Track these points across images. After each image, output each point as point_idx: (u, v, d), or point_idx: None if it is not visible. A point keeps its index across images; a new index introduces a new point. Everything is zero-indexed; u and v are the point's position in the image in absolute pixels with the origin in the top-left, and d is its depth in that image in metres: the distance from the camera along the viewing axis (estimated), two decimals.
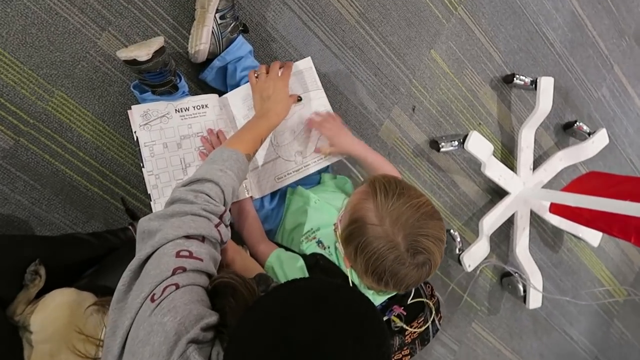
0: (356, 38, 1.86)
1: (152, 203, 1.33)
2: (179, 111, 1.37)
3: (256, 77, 1.39)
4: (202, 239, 0.91)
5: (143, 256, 0.86)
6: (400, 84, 1.99)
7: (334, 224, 1.18)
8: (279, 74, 1.37)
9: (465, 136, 1.99)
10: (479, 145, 2.01)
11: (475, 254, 2.10)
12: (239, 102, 1.46)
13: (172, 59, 1.36)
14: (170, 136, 1.36)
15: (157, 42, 1.27)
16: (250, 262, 1.22)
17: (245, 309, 0.77)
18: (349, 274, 1.15)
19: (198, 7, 1.49)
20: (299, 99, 1.45)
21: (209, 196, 0.96)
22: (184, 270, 0.83)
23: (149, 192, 1.33)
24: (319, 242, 1.31)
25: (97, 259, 1.30)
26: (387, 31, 1.92)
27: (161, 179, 1.34)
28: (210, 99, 1.42)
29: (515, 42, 2.25)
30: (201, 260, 0.87)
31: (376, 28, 1.90)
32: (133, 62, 1.25)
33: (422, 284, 1.37)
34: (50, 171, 1.42)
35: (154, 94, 1.35)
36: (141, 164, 1.34)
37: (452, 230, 2.15)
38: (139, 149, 1.34)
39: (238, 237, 1.37)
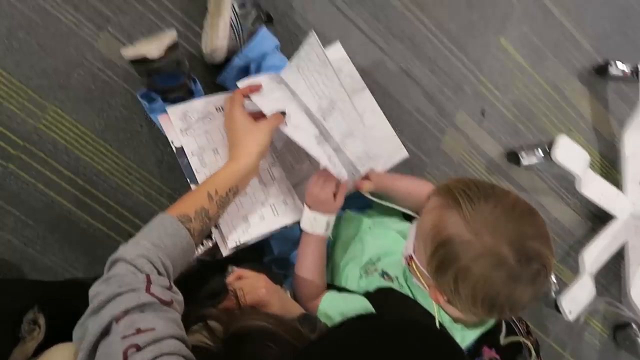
0: (406, 27, 1.98)
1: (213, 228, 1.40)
2: (219, 110, 1.48)
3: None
4: (140, 309, 1.00)
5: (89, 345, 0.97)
6: (464, 82, 2.10)
7: (405, 257, 1.24)
8: (227, 107, 1.39)
9: (551, 143, 2.05)
10: (571, 155, 2.07)
11: (577, 297, 2.14)
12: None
13: (186, 59, 1.49)
14: (218, 139, 1.45)
15: (169, 36, 1.39)
16: (291, 304, 1.29)
17: (295, 357, 0.85)
18: (435, 310, 1.21)
19: None
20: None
21: (120, 275, 1.07)
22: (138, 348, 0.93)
23: None
24: (384, 274, 1.38)
25: None
26: (444, 16, 2.05)
27: None
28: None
29: (607, 23, 2.35)
30: (153, 329, 0.96)
31: (429, 13, 2.02)
32: (142, 61, 1.38)
33: (514, 319, 1.43)
34: (45, 203, 1.55)
35: (164, 100, 1.48)
36: (188, 180, 1.41)
37: None
38: (185, 162, 1.41)
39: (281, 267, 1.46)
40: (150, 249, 1.06)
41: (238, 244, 1.38)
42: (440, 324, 1.22)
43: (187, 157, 1.41)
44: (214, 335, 0.97)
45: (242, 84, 1.40)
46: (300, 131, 1.38)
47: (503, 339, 1.32)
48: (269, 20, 1.65)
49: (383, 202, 1.51)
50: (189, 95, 1.50)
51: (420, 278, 1.20)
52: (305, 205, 1.42)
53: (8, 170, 1.52)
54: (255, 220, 1.41)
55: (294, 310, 1.27)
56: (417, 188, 1.49)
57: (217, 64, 1.65)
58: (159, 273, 1.04)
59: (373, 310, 1.27)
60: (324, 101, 1.47)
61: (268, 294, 1.18)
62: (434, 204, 1.14)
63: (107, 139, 1.60)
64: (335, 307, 1.32)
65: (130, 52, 1.38)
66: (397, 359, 0.73)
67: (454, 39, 2.07)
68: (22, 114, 1.53)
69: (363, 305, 1.30)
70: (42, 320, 1.21)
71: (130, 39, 1.62)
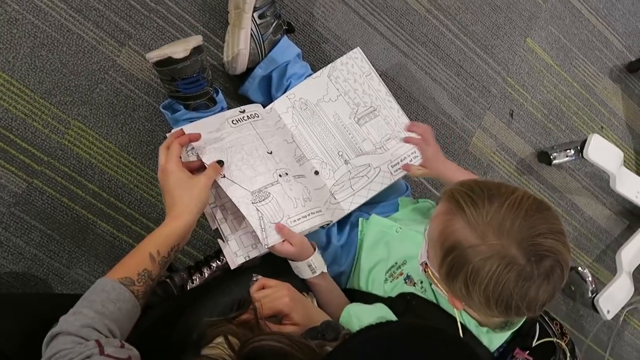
0: (429, 31, 1.90)
1: (221, 242, 1.36)
2: (235, 122, 1.42)
3: None
4: None
5: None
6: (491, 84, 2.00)
7: (421, 264, 1.18)
8: (161, 161, 1.25)
9: (584, 142, 1.96)
10: (604, 153, 1.97)
11: (615, 296, 2.03)
12: (278, 119, 1.52)
13: (209, 68, 1.44)
14: (231, 156, 1.38)
15: (195, 39, 1.35)
16: (315, 312, 1.23)
17: None
18: (456, 315, 1.15)
19: (232, 9, 1.57)
20: (220, 162, 1.32)
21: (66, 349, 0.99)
22: None
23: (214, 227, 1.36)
24: (407, 278, 1.31)
25: None
26: (468, 20, 1.96)
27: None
28: (255, 108, 1.48)
29: (637, 20, 2.24)
30: None
31: (453, 17, 1.94)
32: (167, 62, 1.33)
33: (548, 321, 1.34)
34: (70, 218, 1.51)
35: (187, 108, 1.42)
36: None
37: (580, 268, 2.08)
38: None
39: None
40: (94, 318, 0.98)
41: (247, 258, 1.34)
42: (464, 328, 1.15)
43: None
44: (234, 351, 0.91)
45: (186, 128, 1.34)
46: (235, 188, 1.33)
47: (535, 341, 1.26)
48: (289, 30, 1.61)
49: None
50: (212, 103, 1.45)
51: (438, 284, 1.14)
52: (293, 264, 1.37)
53: (33, 186, 1.48)
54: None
55: (319, 318, 1.22)
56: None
57: (239, 74, 1.60)
58: (107, 337, 0.97)
59: (394, 319, 1.21)
60: (361, 108, 1.56)
61: (291, 303, 1.13)
62: (439, 210, 1.08)
63: (130, 152, 1.56)
64: (358, 321, 1.25)
65: (155, 53, 1.34)
66: None
67: (479, 42, 1.98)
68: (46, 130, 1.49)
69: (382, 314, 1.24)
70: None
71: None
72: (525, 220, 0.98)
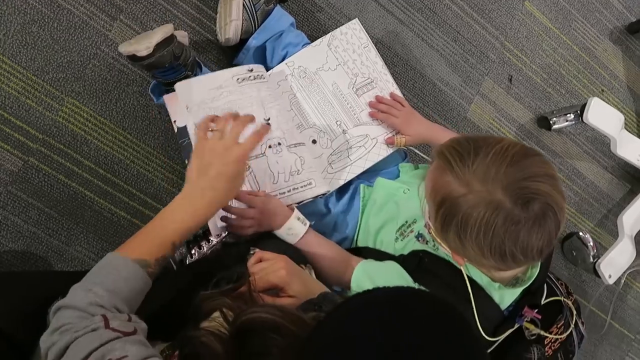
0: None
1: None
2: (240, 81, 1.40)
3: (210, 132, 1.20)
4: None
5: None
6: (489, 50, 1.99)
7: (425, 224, 1.19)
8: (236, 139, 1.15)
9: (584, 106, 1.95)
10: (604, 116, 1.97)
11: (617, 261, 2.03)
12: (277, 86, 1.52)
13: (191, 49, 1.43)
14: (232, 107, 1.37)
15: (162, 32, 1.33)
16: (313, 284, 1.24)
17: (302, 346, 0.79)
18: (464, 271, 1.16)
19: None
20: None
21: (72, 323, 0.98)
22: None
23: None
24: (419, 236, 1.32)
25: None
26: None
27: None
28: (261, 69, 1.46)
29: None
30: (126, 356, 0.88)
31: None
32: (133, 59, 1.33)
33: (554, 280, 1.35)
34: (67, 195, 1.51)
35: (168, 92, 1.42)
36: (186, 161, 1.35)
37: (581, 233, 2.09)
38: (186, 142, 1.36)
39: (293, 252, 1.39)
40: (104, 296, 0.96)
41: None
42: (476, 284, 1.17)
43: (188, 137, 1.35)
44: (229, 324, 0.92)
45: (187, 83, 1.36)
46: None
47: (544, 300, 1.28)
48: (282, 0, 1.57)
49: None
50: None
51: (441, 242, 1.14)
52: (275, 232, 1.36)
53: (29, 164, 1.48)
54: None
55: (317, 289, 1.23)
56: None
57: (232, 45, 1.60)
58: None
59: (407, 276, 1.23)
60: (359, 78, 1.56)
61: (288, 276, 1.14)
62: (432, 167, 1.10)
63: (125, 127, 1.56)
64: (370, 279, 1.27)
65: (123, 49, 1.34)
66: (395, 333, 0.68)
67: (476, 6, 1.96)
68: (40, 108, 1.49)
69: (397, 272, 1.25)
70: None
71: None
72: (511, 166, 0.98)
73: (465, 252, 1.06)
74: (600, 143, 2.17)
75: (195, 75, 1.45)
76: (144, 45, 1.29)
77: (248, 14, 1.53)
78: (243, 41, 1.57)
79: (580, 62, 2.13)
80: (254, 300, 1.07)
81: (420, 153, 1.58)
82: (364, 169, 1.51)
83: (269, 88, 1.44)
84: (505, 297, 1.20)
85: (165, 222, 1.09)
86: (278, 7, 1.57)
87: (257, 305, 1.00)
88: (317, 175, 1.43)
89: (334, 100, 1.53)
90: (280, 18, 1.57)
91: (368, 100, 1.55)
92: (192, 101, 1.33)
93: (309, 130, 1.50)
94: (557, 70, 2.10)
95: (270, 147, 1.38)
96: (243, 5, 1.52)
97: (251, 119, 1.19)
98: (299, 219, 1.34)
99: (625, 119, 2.01)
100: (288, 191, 1.39)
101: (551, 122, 2.03)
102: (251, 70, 1.42)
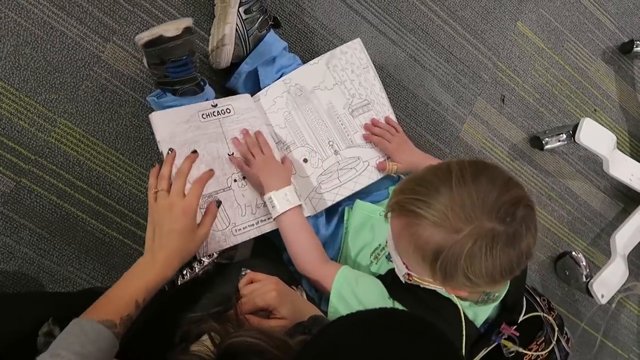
0: (417, 18, 1.91)
1: None
2: (204, 117, 1.43)
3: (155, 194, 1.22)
4: None
5: None
6: (481, 70, 2.01)
7: (403, 276, 1.19)
8: (181, 193, 1.19)
9: (576, 126, 1.97)
10: (596, 136, 1.98)
11: (609, 280, 2.04)
12: (272, 102, 1.53)
13: (197, 54, 1.45)
14: (198, 140, 1.41)
15: (186, 20, 1.36)
16: (304, 306, 1.24)
17: None
18: (441, 290, 1.17)
19: (218, 2, 1.58)
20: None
21: None
22: None
23: None
24: (389, 257, 1.33)
25: None
26: (457, 5, 1.96)
27: None
28: (241, 99, 1.49)
29: (629, 1, 2.24)
30: None
31: (441, 2, 1.94)
32: (158, 41, 1.33)
33: (535, 296, 1.36)
34: (59, 215, 1.52)
35: (174, 94, 1.43)
36: None
37: (574, 253, 2.10)
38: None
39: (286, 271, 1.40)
40: (72, 359, 0.97)
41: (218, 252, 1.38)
42: (447, 300, 1.18)
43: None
44: (216, 347, 0.94)
45: (155, 115, 1.38)
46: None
47: (522, 316, 1.29)
48: (275, 25, 1.62)
49: None
50: (199, 89, 1.46)
51: (430, 284, 1.15)
52: (266, 194, 1.39)
53: (21, 185, 1.49)
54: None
55: (308, 311, 1.23)
56: None
57: (222, 68, 1.61)
58: None
59: (385, 290, 1.24)
60: (356, 99, 1.58)
61: (279, 298, 1.14)
62: (398, 226, 1.09)
63: (118, 148, 1.57)
64: (349, 287, 1.27)
65: (146, 33, 1.34)
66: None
67: (469, 27, 1.98)
68: (33, 129, 1.50)
69: (376, 284, 1.27)
70: (57, 332, 1.19)
71: (136, 48, 1.59)
72: (478, 190, 0.99)
73: (474, 287, 1.06)
74: (593, 162, 2.19)
75: (202, 81, 1.47)
76: (173, 26, 1.31)
77: (240, 39, 1.55)
78: (235, 64, 1.59)
79: (573, 82, 2.16)
80: (240, 323, 1.08)
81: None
82: (353, 192, 1.52)
83: (234, 121, 1.46)
84: (479, 314, 1.21)
85: (127, 283, 1.12)
86: (271, 33, 1.59)
87: (242, 329, 1.01)
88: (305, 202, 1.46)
89: (328, 120, 1.55)
90: (273, 43, 1.58)
91: (363, 122, 1.57)
92: (164, 133, 1.35)
93: (301, 149, 1.52)
94: (550, 90, 2.12)
95: (235, 180, 1.40)
96: (236, 29, 1.54)
97: (209, 174, 1.29)
98: (295, 191, 1.40)
99: (617, 138, 2.02)
100: (257, 223, 1.41)
101: (544, 142, 2.05)
102: (215, 106, 1.44)
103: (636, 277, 2.27)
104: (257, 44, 1.56)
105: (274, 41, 1.59)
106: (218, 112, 1.44)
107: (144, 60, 1.48)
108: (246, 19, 1.53)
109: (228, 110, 1.46)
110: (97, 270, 1.55)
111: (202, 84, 1.47)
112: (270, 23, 1.59)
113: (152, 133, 1.53)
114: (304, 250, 1.38)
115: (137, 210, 1.59)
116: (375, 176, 1.55)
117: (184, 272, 1.51)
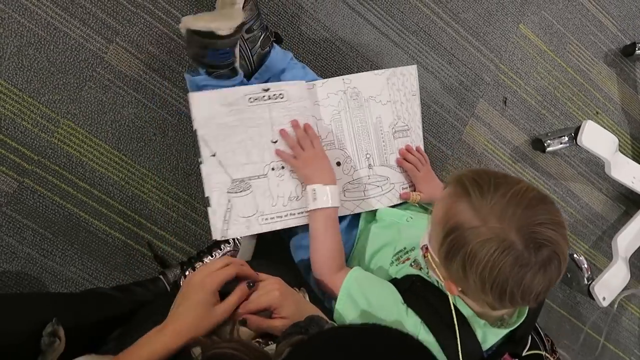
0: (420, 20, 1.91)
1: (210, 209, 1.37)
2: (252, 100, 1.42)
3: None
4: None
5: None
6: (483, 72, 2.01)
7: (421, 248, 1.20)
8: (214, 268, 1.12)
9: (578, 129, 1.97)
10: (598, 139, 1.99)
11: (611, 283, 2.04)
12: (326, 96, 1.52)
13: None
14: (238, 139, 1.40)
15: (240, 16, 1.34)
16: (306, 307, 1.24)
17: None
18: (451, 300, 1.17)
19: None
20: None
21: None
22: None
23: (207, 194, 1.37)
24: (414, 262, 1.34)
25: (125, 316, 1.37)
26: (459, 7, 1.97)
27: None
28: (295, 86, 1.46)
29: (632, 3, 2.25)
30: None
31: (444, 5, 1.95)
32: (207, 35, 1.31)
33: (541, 334, 1.37)
34: (62, 216, 1.53)
35: (208, 75, 1.42)
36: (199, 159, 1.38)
37: (575, 255, 2.10)
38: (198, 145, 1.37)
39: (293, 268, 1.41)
40: None
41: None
42: (461, 316, 1.17)
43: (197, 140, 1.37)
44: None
45: (201, 95, 1.38)
46: (218, 172, 1.38)
47: (526, 351, 1.31)
48: (278, 40, 1.60)
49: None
50: (233, 73, 1.44)
51: (436, 269, 1.15)
52: (310, 185, 1.39)
53: (24, 185, 1.50)
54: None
55: (310, 312, 1.22)
56: None
57: None
58: None
59: (398, 295, 1.24)
60: (400, 122, 1.58)
61: (281, 297, 1.14)
62: (445, 193, 1.11)
63: (121, 149, 1.58)
64: (360, 288, 1.28)
65: (199, 24, 1.30)
66: None
67: (471, 29, 1.99)
68: (36, 130, 1.51)
69: (391, 290, 1.26)
70: (61, 332, 1.21)
71: (139, 49, 1.60)
72: (528, 209, 1.00)
73: (464, 283, 1.07)
74: (595, 165, 2.19)
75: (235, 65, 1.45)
76: (227, 24, 1.29)
77: (244, 59, 1.53)
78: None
79: (575, 84, 2.16)
80: (234, 326, 1.09)
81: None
82: (372, 209, 1.54)
83: (286, 107, 1.44)
84: (488, 337, 1.20)
85: (137, 348, 1.08)
86: (276, 47, 1.57)
87: (223, 340, 1.01)
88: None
89: (372, 132, 1.54)
90: (279, 58, 1.57)
91: (399, 146, 1.58)
92: (200, 114, 1.35)
93: (337, 151, 1.51)
94: (552, 92, 2.12)
95: (273, 169, 1.40)
96: (240, 50, 1.52)
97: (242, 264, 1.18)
98: (338, 193, 1.40)
99: (619, 141, 2.03)
100: (285, 215, 1.42)
101: (545, 144, 2.05)
102: (266, 90, 1.42)
103: (638, 280, 2.27)
104: (261, 61, 1.55)
105: (279, 55, 1.57)
106: (269, 96, 1.42)
107: (184, 34, 1.38)
108: (248, 39, 1.52)
109: (281, 96, 1.43)
110: (99, 270, 1.56)
111: (237, 68, 1.44)
112: (272, 39, 1.57)
113: (155, 134, 1.55)
114: (328, 251, 1.39)
115: (140, 210, 1.60)
116: (396, 200, 1.56)
117: (187, 273, 1.53)
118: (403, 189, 1.58)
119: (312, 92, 1.49)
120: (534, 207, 1.00)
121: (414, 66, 1.60)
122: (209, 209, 1.38)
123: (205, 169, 1.37)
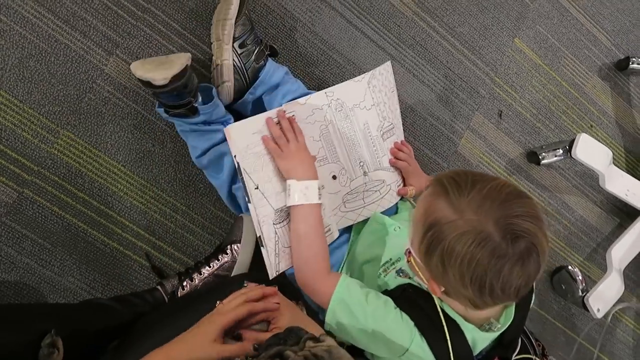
0: (416, 33, 1.93)
1: (264, 249, 1.40)
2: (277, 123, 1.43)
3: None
4: None
5: None
6: (479, 85, 2.04)
7: (405, 252, 1.21)
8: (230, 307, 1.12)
9: (572, 142, 1.99)
10: (593, 152, 2.00)
11: (605, 295, 2.06)
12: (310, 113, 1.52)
13: (195, 77, 1.44)
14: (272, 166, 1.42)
15: (179, 63, 1.35)
16: (303, 320, 1.25)
17: None
18: (437, 303, 1.19)
19: (214, 40, 1.57)
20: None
21: None
22: None
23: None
24: (400, 272, 1.35)
25: (123, 326, 1.39)
26: (455, 21, 1.99)
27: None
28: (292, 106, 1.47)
29: (626, 18, 2.27)
30: None
31: (440, 19, 1.97)
32: (146, 84, 1.36)
33: (531, 338, 1.38)
34: (61, 226, 1.54)
35: (166, 113, 1.46)
36: (246, 199, 1.39)
37: (570, 267, 2.12)
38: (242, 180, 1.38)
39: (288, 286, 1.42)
40: None
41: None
42: (447, 318, 1.19)
43: (241, 175, 1.38)
44: None
45: (233, 126, 1.40)
46: (263, 204, 1.39)
47: (515, 355, 1.32)
48: (273, 53, 1.61)
49: None
50: (191, 113, 1.45)
51: (419, 272, 1.16)
52: (288, 181, 1.40)
53: (23, 196, 1.52)
54: None
55: (307, 326, 1.22)
56: None
57: (225, 104, 1.57)
58: None
59: (391, 300, 1.26)
60: (386, 122, 1.59)
61: (281, 306, 1.16)
62: (426, 192, 1.14)
63: (120, 160, 1.59)
64: (353, 295, 1.28)
65: (139, 72, 1.34)
66: None
67: (467, 43, 2.01)
68: (36, 140, 1.52)
69: (383, 296, 1.28)
70: (59, 344, 1.22)
71: None
72: (505, 203, 1.02)
73: (445, 279, 1.07)
74: (589, 177, 2.21)
75: (196, 101, 1.46)
76: (161, 75, 1.31)
77: (239, 74, 1.54)
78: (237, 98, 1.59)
79: (569, 98, 2.18)
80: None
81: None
82: (374, 213, 1.55)
83: (300, 119, 1.46)
84: (477, 342, 1.22)
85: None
86: (270, 61, 1.58)
87: None
88: (329, 220, 1.48)
89: (362, 140, 1.55)
90: (274, 72, 1.57)
91: (388, 147, 1.59)
92: (237, 146, 1.36)
93: (331, 165, 1.51)
94: (547, 105, 2.15)
95: None
96: (234, 66, 1.53)
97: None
98: (318, 189, 1.40)
99: (613, 154, 2.04)
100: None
101: (540, 157, 2.07)
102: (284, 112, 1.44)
103: (632, 292, 2.28)
104: (256, 75, 1.55)
105: (273, 69, 1.57)
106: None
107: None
108: (242, 53, 1.53)
109: (293, 115, 1.45)
110: (97, 281, 1.57)
111: (196, 105, 1.44)
112: (267, 53, 1.58)
113: (154, 145, 1.57)
114: (309, 251, 1.39)
115: (138, 221, 1.61)
116: (395, 200, 1.59)
117: (184, 283, 1.54)
118: (398, 186, 1.60)
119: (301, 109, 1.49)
120: (511, 201, 1.03)
121: (388, 62, 1.60)
122: (263, 250, 1.39)
123: (252, 204, 1.37)
